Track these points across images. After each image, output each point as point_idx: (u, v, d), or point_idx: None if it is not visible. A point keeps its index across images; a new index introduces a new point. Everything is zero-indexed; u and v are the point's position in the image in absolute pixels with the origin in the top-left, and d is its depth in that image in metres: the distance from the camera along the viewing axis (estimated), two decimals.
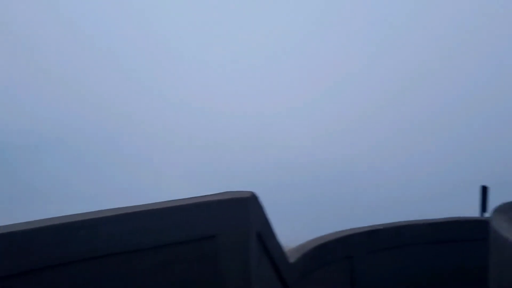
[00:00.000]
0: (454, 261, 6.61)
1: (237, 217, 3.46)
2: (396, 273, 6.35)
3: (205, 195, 3.52)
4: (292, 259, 4.79)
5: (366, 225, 6.55)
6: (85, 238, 2.85)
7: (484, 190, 8.57)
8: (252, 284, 3.61)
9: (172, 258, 3.29)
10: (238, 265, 3.46)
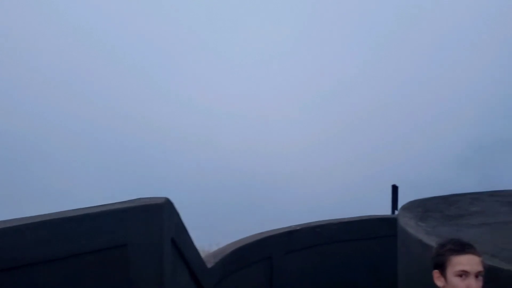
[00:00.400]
0: (367, 257, 6.90)
1: (150, 224, 3.38)
2: (313, 270, 6.52)
3: (116, 203, 3.40)
4: (210, 264, 4.77)
5: (284, 226, 6.69)
6: None
7: (395, 189, 9.00)
8: None
9: (82, 269, 3.16)
10: (151, 273, 3.38)
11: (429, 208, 4.98)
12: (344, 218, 7.17)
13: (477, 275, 2.35)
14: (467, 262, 2.37)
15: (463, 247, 2.43)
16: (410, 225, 4.34)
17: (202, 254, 5.00)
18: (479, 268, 2.38)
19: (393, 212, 8.34)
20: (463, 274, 2.35)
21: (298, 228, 6.63)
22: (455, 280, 2.36)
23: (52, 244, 2.91)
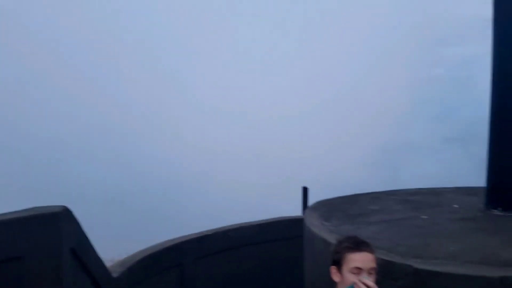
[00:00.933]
0: (280, 258, 7.02)
1: (46, 235, 3.22)
2: (226, 274, 6.53)
3: (9, 212, 3.21)
4: (115, 273, 4.63)
5: (196, 231, 6.65)
6: None
7: (305, 190, 9.28)
8: None
9: None
10: (48, 284, 3.22)
11: (333, 207, 5.18)
12: (256, 221, 7.25)
13: (370, 272, 2.50)
14: (361, 259, 2.51)
15: (358, 245, 2.57)
16: (315, 225, 4.48)
17: (111, 264, 4.85)
18: (372, 265, 2.53)
19: (303, 213, 8.56)
20: (356, 270, 2.48)
21: (210, 233, 6.62)
22: (350, 276, 2.49)
23: None
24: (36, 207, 3.32)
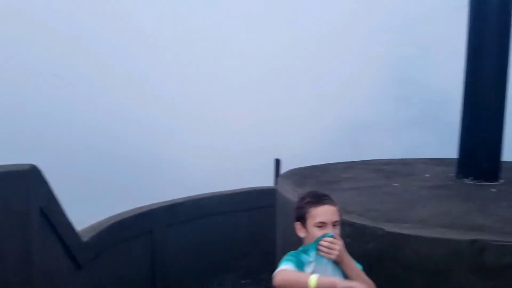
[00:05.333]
0: (250, 227, 7.06)
1: (14, 193, 3.11)
2: (196, 242, 6.52)
3: None
4: (85, 238, 4.55)
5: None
6: None
7: (277, 162, 9.34)
8: (33, 265, 3.32)
9: None
10: (15, 244, 3.12)
11: (306, 175, 5.19)
12: (227, 191, 7.24)
13: (334, 224, 2.51)
14: (324, 213, 2.53)
15: (319, 199, 2.58)
16: (287, 191, 4.49)
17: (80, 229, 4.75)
18: (335, 218, 2.55)
19: (275, 184, 8.60)
20: (321, 224, 2.49)
21: (181, 201, 6.58)
22: (315, 231, 2.51)
23: None
24: (3, 165, 3.20)
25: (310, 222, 2.53)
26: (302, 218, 2.58)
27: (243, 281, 6.64)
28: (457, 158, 4.93)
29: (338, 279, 2.35)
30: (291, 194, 4.35)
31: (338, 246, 2.43)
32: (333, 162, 6.13)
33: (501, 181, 4.72)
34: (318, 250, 2.46)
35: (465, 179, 4.73)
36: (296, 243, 2.73)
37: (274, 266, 2.57)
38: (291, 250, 2.66)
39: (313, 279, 2.29)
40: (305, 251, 2.53)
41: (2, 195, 3.06)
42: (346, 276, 2.49)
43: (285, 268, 2.42)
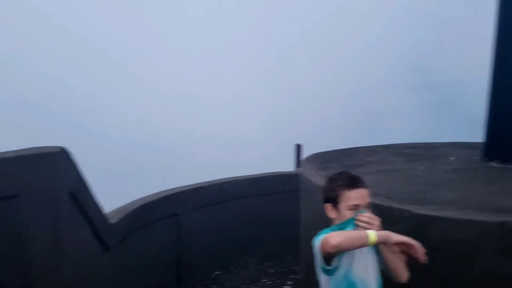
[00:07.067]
0: (271, 212, 7.08)
1: (43, 175, 3.17)
2: (219, 226, 6.59)
3: (7, 151, 3.15)
4: (113, 220, 4.63)
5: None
6: None
7: (298, 148, 9.35)
8: (63, 247, 3.39)
9: None
10: (46, 226, 3.19)
11: (329, 159, 5.18)
12: (250, 175, 7.28)
13: (367, 206, 2.52)
14: (359, 196, 2.53)
15: (353, 182, 2.58)
16: (311, 174, 4.49)
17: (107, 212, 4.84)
18: (368, 199, 2.55)
19: (297, 167, 8.62)
20: (354, 207, 2.50)
21: (205, 185, 6.64)
22: (348, 213, 2.51)
23: None
24: (33, 147, 3.26)
25: (343, 205, 2.53)
26: (333, 200, 2.58)
27: (266, 264, 6.69)
28: (482, 142, 4.86)
29: (391, 232, 2.37)
30: (315, 177, 4.35)
31: (376, 221, 2.45)
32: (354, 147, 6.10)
33: None
34: (356, 226, 2.47)
35: (491, 162, 4.67)
36: (320, 224, 2.72)
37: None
38: (315, 231, 2.67)
39: (373, 232, 2.32)
40: (341, 229, 2.53)
41: (32, 176, 3.12)
42: (379, 254, 2.54)
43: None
